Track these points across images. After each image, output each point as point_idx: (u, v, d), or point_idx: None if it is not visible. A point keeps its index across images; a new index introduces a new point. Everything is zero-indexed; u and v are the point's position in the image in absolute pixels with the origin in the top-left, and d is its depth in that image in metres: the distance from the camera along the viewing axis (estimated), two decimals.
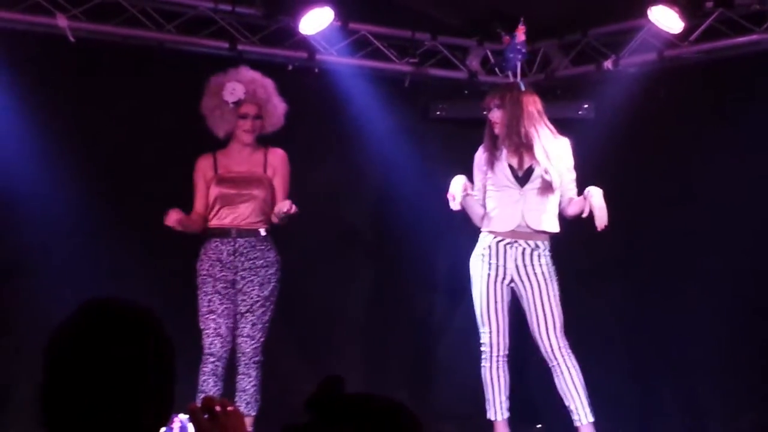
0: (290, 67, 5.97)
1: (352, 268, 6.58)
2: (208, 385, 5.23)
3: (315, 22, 5.75)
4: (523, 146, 5.17)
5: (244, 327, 5.28)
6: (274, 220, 5.28)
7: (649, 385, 5.96)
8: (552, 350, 5.14)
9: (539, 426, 6.16)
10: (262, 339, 5.31)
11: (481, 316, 5.24)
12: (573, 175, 5.24)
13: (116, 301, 1.87)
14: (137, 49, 5.73)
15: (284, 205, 5.15)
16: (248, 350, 5.29)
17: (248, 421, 5.31)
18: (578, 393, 5.15)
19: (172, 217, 5.06)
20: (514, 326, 5.28)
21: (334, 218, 6.40)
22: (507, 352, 5.24)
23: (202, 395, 5.08)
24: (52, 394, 1.79)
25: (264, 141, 5.44)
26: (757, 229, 5.53)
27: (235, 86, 5.26)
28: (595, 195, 5.05)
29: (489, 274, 5.21)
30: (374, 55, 6.28)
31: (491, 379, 5.24)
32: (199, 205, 5.35)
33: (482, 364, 5.25)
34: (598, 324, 6.02)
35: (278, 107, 5.37)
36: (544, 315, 5.15)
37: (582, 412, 5.16)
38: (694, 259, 5.75)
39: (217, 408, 1.90)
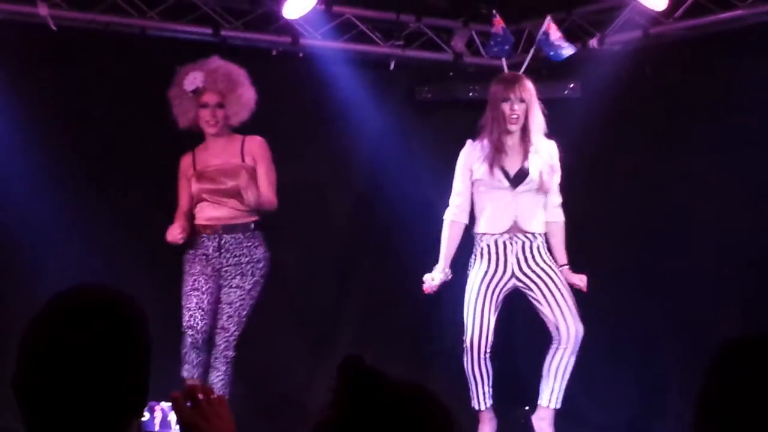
0: (274, 52, 5.92)
1: (340, 255, 6.54)
2: (190, 357, 5.16)
3: (299, 6, 5.70)
4: (530, 147, 5.07)
5: (220, 318, 5.21)
6: (247, 205, 5.15)
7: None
8: (569, 334, 5.04)
9: (527, 408, 6.14)
10: (236, 333, 5.21)
11: (468, 313, 5.15)
12: (558, 179, 5.18)
13: (87, 290, 1.84)
14: (119, 36, 5.68)
15: (249, 195, 5.07)
16: (220, 343, 5.20)
17: None
18: (562, 378, 5.11)
19: (175, 233, 5.06)
20: (503, 318, 5.24)
21: (321, 204, 6.36)
22: (489, 350, 5.15)
23: (186, 365, 5.14)
24: (23, 387, 1.77)
25: (250, 129, 5.30)
26: (749, 202, 5.51)
27: (195, 75, 5.16)
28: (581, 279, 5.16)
29: (487, 272, 5.12)
30: (359, 38, 6.24)
31: (473, 373, 5.16)
32: (184, 204, 5.26)
33: (464, 358, 5.17)
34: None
35: (243, 96, 5.20)
36: (562, 300, 5.08)
37: (554, 396, 5.13)
38: (687, 236, 5.73)
39: (200, 396, 1.88)
